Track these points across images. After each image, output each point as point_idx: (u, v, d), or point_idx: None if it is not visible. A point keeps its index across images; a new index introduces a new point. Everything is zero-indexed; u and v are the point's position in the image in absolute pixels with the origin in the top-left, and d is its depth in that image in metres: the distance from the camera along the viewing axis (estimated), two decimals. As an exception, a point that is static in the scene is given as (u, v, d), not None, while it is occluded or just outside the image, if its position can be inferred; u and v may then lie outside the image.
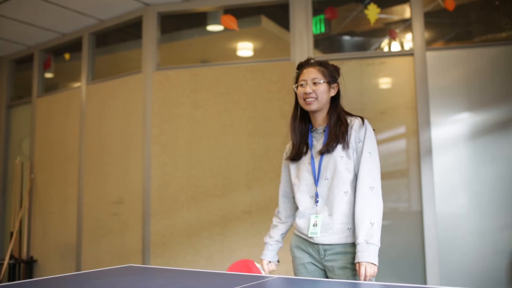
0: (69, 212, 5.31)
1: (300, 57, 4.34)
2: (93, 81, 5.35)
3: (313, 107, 2.19)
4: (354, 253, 2.04)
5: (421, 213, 3.97)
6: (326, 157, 2.15)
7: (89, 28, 5.37)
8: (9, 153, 6.29)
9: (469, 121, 4.04)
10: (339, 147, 2.13)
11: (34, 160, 5.77)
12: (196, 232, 4.44)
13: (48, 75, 6.02)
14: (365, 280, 1.97)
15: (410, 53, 4.18)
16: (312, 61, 2.30)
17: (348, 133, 2.16)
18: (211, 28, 4.88)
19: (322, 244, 2.10)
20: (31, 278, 5.40)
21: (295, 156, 2.26)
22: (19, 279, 5.45)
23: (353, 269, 2.06)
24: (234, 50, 4.83)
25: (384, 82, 4.30)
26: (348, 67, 4.37)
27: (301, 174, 2.22)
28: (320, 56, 4.43)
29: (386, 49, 4.41)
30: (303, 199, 2.20)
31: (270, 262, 2.33)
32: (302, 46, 4.36)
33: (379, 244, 2.02)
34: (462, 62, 4.12)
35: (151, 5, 4.81)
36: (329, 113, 2.24)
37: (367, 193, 2.07)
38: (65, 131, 5.48)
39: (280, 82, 4.38)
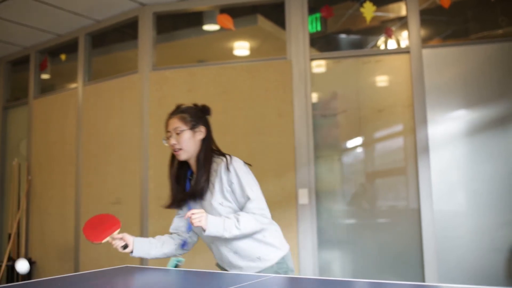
0: (67, 213, 5.30)
1: (296, 56, 4.34)
2: (90, 81, 5.34)
3: (182, 157, 2.22)
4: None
5: (418, 211, 3.97)
6: (205, 203, 2.19)
7: (85, 29, 5.36)
8: (6, 154, 6.28)
9: (466, 118, 4.05)
10: (215, 193, 2.15)
11: (32, 161, 5.76)
12: (194, 232, 4.43)
13: (45, 76, 6.01)
14: (189, 216, 2.01)
15: (406, 51, 4.18)
16: (176, 110, 2.30)
17: (217, 177, 2.16)
18: (207, 27, 4.88)
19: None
20: (29, 279, 5.39)
21: (172, 205, 2.30)
22: (17, 281, 5.44)
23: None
24: (231, 50, 4.83)
25: (381, 80, 4.30)
26: (345, 66, 4.37)
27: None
28: (316, 55, 4.42)
29: (382, 47, 4.41)
30: (209, 246, 2.32)
31: (124, 243, 2.25)
32: (298, 45, 4.36)
33: (226, 235, 2.06)
34: (459, 60, 4.13)
35: (147, 5, 4.80)
36: (198, 156, 2.23)
37: (241, 215, 2.12)
38: (62, 132, 5.47)
39: (276, 81, 4.38)
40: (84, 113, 5.26)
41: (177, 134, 2.20)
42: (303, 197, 4.17)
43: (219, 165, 2.18)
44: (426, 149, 4.01)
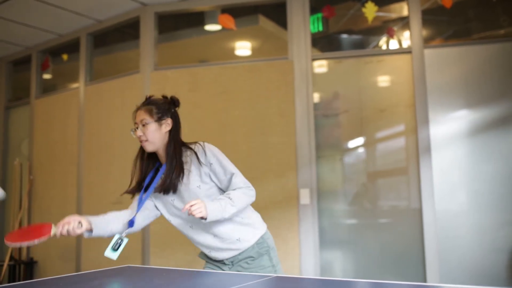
0: (68, 213, 5.25)
1: (298, 56, 4.34)
2: (92, 81, 5.34)
3: (149, 148, 2.24)
4: (252, 257, 2.22)
5: (420, 211, 3.97)
6: (181, 192, 2.19)
7: (87, 29, 5.36)
8: (8, 154, 6.29)
9: (467, 118, 4.04)
10: (191, 178, 2.16)
11: (33, 161, 5.77)
12: (195, 231, 4.43)
13: (46, 76, 6.01)
14: (187, 208, 2.00)
15: (408, 51, 4.18)
16: (144, 102, 2.34)
17: (193, 162, 2.18)
18: (209, 27, 4.88)
19: (225, 258, 2.26)
20: (31, 279, 5.40)
21: (134, 190, 2.31)
22: (19, 280, 5.45)
23: (257, 270, 2.21)
24: (232, 50, 4.83)
25: (382, 80, 4.30)
26: (346, 66, 4.36)
27: (162, 211, 2.32)
28: (318, 55, 4.42)
29: (384, 47, 4.40)
30: (186, 231, 2.30)
31: (79, 222, 2.14)
32: (300, 45, 4.36)
33: (221, 216, 2.07)
34: (461, 60, 4.12)
35: (149, 5, 4.81)
36: (166, 149, 2.24)
37: (232, 192, 2.17)
38: (64, 132, 5.48)
39: (278, 81, 4.38)
40: (86, 113, 5.26)
41: (143, 126, 2.23)
42: (305, 197, 4.17)
43: (193, 150, 2.21)
44: (427, 149, 4.01)
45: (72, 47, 5.60)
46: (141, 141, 2.26)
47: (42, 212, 5.60)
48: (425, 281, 3.89)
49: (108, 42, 5.54)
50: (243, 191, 2.18)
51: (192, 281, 1.94)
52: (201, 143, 2.24)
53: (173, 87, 4.65)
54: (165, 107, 2.29)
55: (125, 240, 2.19)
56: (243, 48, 4.81)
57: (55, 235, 2.05)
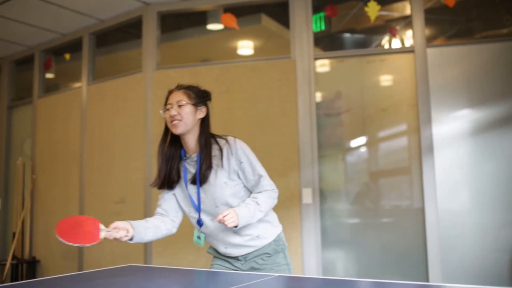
0: (71, 212, 5.31)
1: (300, 55, 4.34)
2: (94, 81, 5.35)
3: (180, 129, 2.18)
4: (268, 254, 2.21)
5: (423, 210, 3.96)
6: (207, 186, 2.17)
7: (89, 28, 5.37)
8: (11, 153, 6.30)
9: (470, 117, 4.03)
10: (219, 173, 2.14)
11: (36, 160, 5.78)
12: (198, 231, 4.43)
13: (49, 75, 6.02)
14: (219, 219, 1.99)
15: (410, 50, 4.17)
16: (180, 85, 2.33)
17: (224, 156, 2.16)
18: (211, 27, 4.88)
19: (239, 255, 2.24)
20: (34, 278, 5.41)
21: (162, 185, 2.25)
22: (21, 280, 5.46)
23: (271, 267, 2.20)
24: (234, 49, 4.82)
25: (385, 80, 4.29)
26: (349, 65, 4.36)
27: (185, 203, 2.27)
28: (320, 54, 4.42)
29: (386, 46, 4.40)
30: (205, 224, 2.26)
31: (127, 231, 2.11)
32: (303, 44, 4.35)
33: (250, 221, 2.08)
34: (463, 59, 4.11)
35: (151, 4, 4.81)
36: (199, 139, 2.22)
37: (268, 193, 2.19)
38: (67, 131, 5.48)
39: (280, 81, 4.38)
40: (88, 113, 5.27)
41: (179, 106, 2.20)
42: (307, 196, 4.16)
43: (224, 145, 2.19)
44: (430, 149, 4.00)
45: (74, 46, 5.61)
46: (172, 121, 2.19)
47: (44, 211, 5.60)
48: (427, 280, 3.88)
49: (111, 41, 5.54)
50: (269, 194, 2.19)
51: (194, 281, 1.94)
52: (233, 139, 2.22)
53: (176, 87, 4.64)
54: (201, 96, 2.29)
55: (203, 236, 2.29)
56: (245, 47, 4.81)
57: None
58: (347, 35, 4.58)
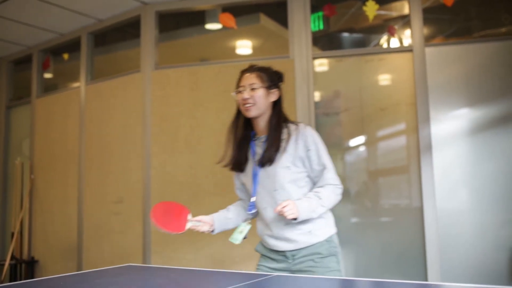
0: (69, 212, 5.31)
1: (299, 55, 4.34)
2: (92, 81, 5.35)
3: (252, 113, 2.17)
4: (319, 253, 2.11)
5: (421, 209, 3.97)
6: (270, 168, 2.14)
7: (88, 28, 5.36)
8: (9, 153, 6.29)
9: (469, 116, 4.03)
10: (283, 156, 2.12)
11: (34, 160, 5.77)
12: (196, 230, 4.43)
13: (47, 75, 6.02)
14: (278, 210, 1.97)
15: (409, 49, 4.17)
16: (253, 67, 2.28)
17: (291, 141, 2.13)
18: (210, 26, 4.88)
19: (289, 251, 2.15)
20: (32, 278, 5.40)
21: (234, 168, 2.26)
22: (20, 280, 5.45)
23: (322, 266, 2.11)
24: (233, 48, 4.82)
25: (383, 79, 4.29)
26: (347, 64, 4.36)
27: (249, 184, 2.24)
28: (319, 54, 4.42)
29: (385, 45, 4.40)
30: (261, 211, 2.22)
31: (211, 226, 2.24)
32: (301, 44, 4.35)
33: (311, 215, 2.05)
34: (462, 58, 4.12)
35: (149, 4, 4.80)
36: (270, 120, 2.20)
37: (331, 187, 2.13)
38: (65, 131, 5.48)
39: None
40: (87, 112, 5.27)
41: (252, 90, 2.17)
42: (306, 196, 4.16)
43: (293, 130, 2.16)
44: (429, 148, 4.01)
45: (73, 46, 5.61)
46: (245, 104, 2.18)
47: (43, 211, 5.60)
48: (426, 279, 3.88)
49: (109, 41, 5.54)
50: (333, 190, 2.12)
51: (193, 280, 1.94)
52: (304, 125, 2.18)
53: (174, 86, 4.65)
54: (274, 78, 2.24)
55: (248, 227, 2.23)
56: (244, 47, 4.81)
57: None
58: (345, 34, 4.58)
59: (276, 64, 4.39)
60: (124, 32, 5.32)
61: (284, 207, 1.95)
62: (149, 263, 4.51)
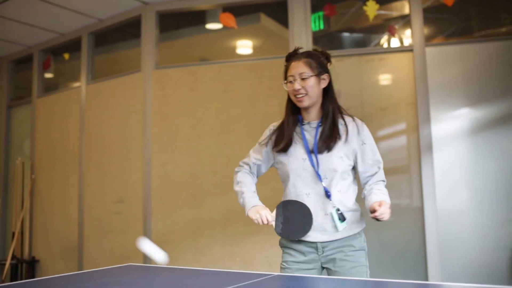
0: (70, 212, 5.31)
1: (299, 54, 4.33)
2: (93, 80, 5.35)
3: (305, 103, 2.12)
4: (352, 246, 2.07)
5: (422, 209, 3.97)
6: (323, 156, 2.07)
7: (88, 28, 5.37)
8: (10, 153, 6.30)
9: (469, 116, 4.03)
10: (338, 146, 2.07)
11: (35, 160, 5.78)
12: (197, 230, 4.44)
13: (48, 75, 6.02)
14: (376, 216, 1.91)
15: (409, 49, 4.17)
16: (300, 51, 2.20)
17: (349, 133, 2.10)
18: (210, 26, 4.88)
19: (321, 242, 2.08)
20: (33, 278, 5.41)
21: (285, 148, 2.15)
22: (21, 279, 5.46)
23: (352, 260, 2.07)
24: (233, 48, 4.82)
25: (384, 79, 4.29)
26: (348, 64, 4.36)
27: (296, 170, 2.12)
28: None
29: (385, 45, 4.40)
30: (300, 197, 2.12)
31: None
32: (301, 43, 4.35)
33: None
34: (462, 58, 4.11)
35: (150, 4, 4.81)
36: (323, 107, 2.15)
37: (382, 185, 2.10)
38: (66, 131, 5.49)
39: (279, 80, 4.34)
40: (87, 112, 5.27)
41: (302, 79, 2.10)
42: (306, 195, 4.16)
43: (349, 122, 2.12)
44: (429, 147, 4.01)
45: (73, 46, 5.61)
46: (297, 95, 2.12)
47: (44, 211, 5.61)
48: (426, 279, 3.88)
49: (109, 41, 5.54)
50: (385, 189, 2.10)
51: (193, 280, 1.94)
52: (360, 120, 2.14)
53: (175, 86, 4.65)
54: (323, 62, 2.15)
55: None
56: (244, 46, 4.81)
57: None
58: (346, 34, 4.58)
59: (277, 64, 4.41)
60: (125, 32, 5.32)
61: (377, 211, 1.89)
62: (149, 263, 4.51)
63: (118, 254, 4.82)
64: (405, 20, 4.31)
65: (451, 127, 4.05)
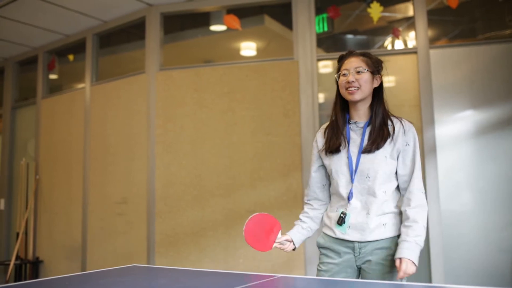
0: (74, 213, 5.33)
1: (303, 56, 4.34)
2: (97, 81, 5.37)
3: (356, 96, 2.10)
4: (389, 248, 2.05)
5: (425, 211, 3.96)
6: (369, 155, 2.07)
7: (93, 29, 5.39)
8: (15, 154, 6.32)
9: (472, 118, 4.03)
10: (386, 147, 2.07)
11: (39, 161, 5.80)
12: (200, 231, 4.45)
13: (53, 76, 6.04)
14: (402, 277, 1.92)
15: (413, 51, 4.17)
16: (356, 52, 2.22)
17: (395, 134, 2.09)
18: (214, 28, 4.89)
19: (358, 242, 2.08)
20: (37, 278, 5.42)
21: (334, 149, 2.15)
22: (25, 280, 5.47)
23: (388, 265, 2.04)
24: (237, 50, 4.83)
25: (388, 81, 4.29)
26: (351, 66, 4.35)
27: (340, 168, 2.13)
28: (323, 55, 4.43)
29: (389, 47, 4.40)
30: (340, 196, 2.14)
31: (291, 241, 2.21)
32: (305, 45, 4.36)
33: (423, 246, 2.01)
34: (466, 60, 4.11)
35: (154, 5, 4.82)
36: (372, 107, 2.15)
37: (420, 195, 2.06)
38: (70, 132, 5.50)
39: (283, 81, 4.38)
40: (92, 113, 5.29)
41: (357, 73, 2.11)
42: (310, 197, 4.16)
43: (397, 123, 2.12)
44: (433, 149, 4.00)
45: (78, 47, 5.63)
46: (349, 88, 2.11)
47: (48, 211, 5.62)
48: (430, 281, 3.88)
49: (114, 42, 5.56)
50: (419, 204, 2.05)
51: (196, 281, 1.95)
52: (408, 121, 2.14)
53: (179, 87, 4.66)
54: (378, 64, 2.18)
55: (349, 214, 2.09)
56: (248, 48, 4.82)
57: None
58: (349, 36, 4.58)
59: (281, 66, 4.43)
60: (129, 33, 5.34)
61: (403, 273, 1.91)
62: (153, 264, 4.52)
63: (122, 255, 4.83)
64: (409, 22, 4.31)
65: (455, 129, 4.05)
